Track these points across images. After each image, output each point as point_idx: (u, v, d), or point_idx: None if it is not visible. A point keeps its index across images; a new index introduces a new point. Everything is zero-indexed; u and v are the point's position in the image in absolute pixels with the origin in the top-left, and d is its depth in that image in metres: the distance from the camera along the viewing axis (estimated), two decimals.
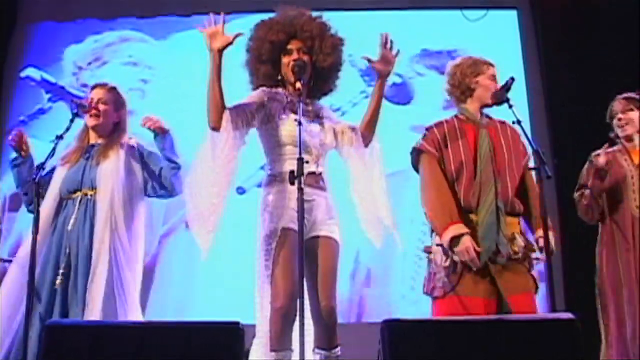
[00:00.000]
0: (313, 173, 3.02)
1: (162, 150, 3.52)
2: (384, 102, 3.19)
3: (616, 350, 3.56)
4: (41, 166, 3.23)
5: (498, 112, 3.34)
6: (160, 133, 3.51)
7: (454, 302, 3.06)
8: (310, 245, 2.98)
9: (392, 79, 3.38)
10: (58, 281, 3.27)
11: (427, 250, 3.21)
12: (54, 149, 3.33)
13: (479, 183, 3.13)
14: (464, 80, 3.28)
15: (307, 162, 2.82)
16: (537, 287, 3.14)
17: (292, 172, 2.77)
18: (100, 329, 2.48)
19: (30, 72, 5.95)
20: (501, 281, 3.04)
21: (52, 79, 5.83)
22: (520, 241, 3.12)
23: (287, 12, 3.18)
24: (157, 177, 3.53)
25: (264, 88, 3.15)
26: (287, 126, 3.03)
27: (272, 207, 2.98)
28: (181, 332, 2.37)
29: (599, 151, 3.77)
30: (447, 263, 3.09)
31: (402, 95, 5.77)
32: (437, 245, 3.14)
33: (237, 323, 2.41)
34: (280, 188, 3.00)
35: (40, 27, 6.09)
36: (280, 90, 3.16)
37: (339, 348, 2.94)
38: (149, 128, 3.50)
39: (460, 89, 3.30)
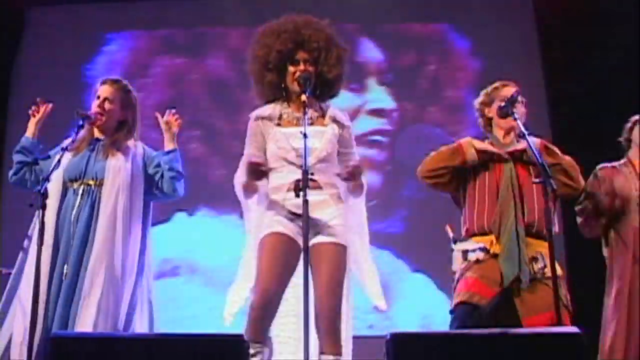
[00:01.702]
0: None
1: (170, 161, 3.53)
2: None
3: None
4: (47, 178, 3.22)
5: None
6: (172, 146, 3.55)
7: (466, 280, 3.20)
8: (312, 254, 2.96)
9: None
10: (65, 271, 3.30)
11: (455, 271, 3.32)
12: (59, 161, 3.34)
13: (500, 210, 3.21)
14: (483, 112, 3.45)
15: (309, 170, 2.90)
16: (565, 307, 3.10)
17: (297, 182, 2.82)
18: (105, 341, 2.47)
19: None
20: (519, 303, 3.12)
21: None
22: (541, 262, 3.16)
23: (293, 20, 3.19)
24: (160, 179, 3.54)
25: (256, 115, 3.19)
26: (274, 141, 3.10)
27: (254, 220, 3.14)
28: (186, 344, 2.37)
29: (604, 165, 3.77)
30: (465, 265, 3.22)
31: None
32: (458, 250, 3.25)
33: (242, 335, 2.40)
34: (259, 199, 3.13)
35: (46, 46, 6.12)
36: (270, 107, 3.19)
37: (342, 356, 2.92)
38: (167, 123, 3.53)
39: (483, 122, 3.47)
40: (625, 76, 5.09)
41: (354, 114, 5.66)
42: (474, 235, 3.28)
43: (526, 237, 3.17)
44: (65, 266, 3.32)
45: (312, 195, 2.94)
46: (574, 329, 2.46)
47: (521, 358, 2.37)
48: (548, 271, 3.12)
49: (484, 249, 3.19)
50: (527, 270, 3.11)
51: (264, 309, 2.89)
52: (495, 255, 3.18)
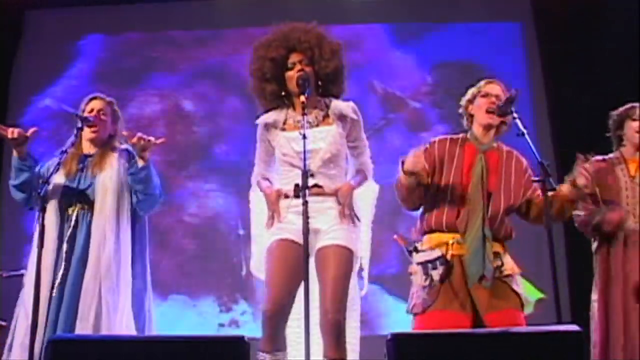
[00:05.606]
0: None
1: (144, 185, 3.45)
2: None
3: None
4: (46, 181, 3.24)
5: None
6: (142, 162, 3.43)
7: (431, 317, 3.07)
8: (317, 258, 3.03)
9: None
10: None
11: (411, 272, 3.19)
12: (59, 164, 3.35)
13: (468, 209, 3.14)
14: (466, 109, 3.37)
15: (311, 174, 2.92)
16: (522, 304, 3.09)
17: (296, 185, 2.83)
18: (104, 344, 2.47)
19: (48, 102, 6.00)
20: (477, 299, 3.06)
21: (69, 109, 5.82)
22: (499, 260, 3.13)
23: (280, 29, 3.21)
24: (136, 203, 3.52)
25: (262, 122, 3.22)
26: (279, 147, 3.14)
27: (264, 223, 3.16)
28: (186, 346, 2.37)
29: (599, 157, 3.74)
30: (427, 282, 3.08)
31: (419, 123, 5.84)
32: (418, 264, 3.12)
33: (242, 337, 2.40)
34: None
35: (46, 49, 6.13)
36: (275, 112, 3.21)
37: None
38: (136, 144, 3.39)
39: (466, 117, 3.38)
40: (626, 85, 5.08)
41: None
42: (431, 231, 3.17)
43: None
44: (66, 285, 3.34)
45: (317, 203, 2.99)
46: (574, 327, 2.46)
47: (521, 357, 2.36)
48: (505, 269, 3.11)
49: (443, 261, 3.08)
50: (491, 268, 3.07)
51: (277, 316, 2.93)
52: (450, 262, 3.09)
